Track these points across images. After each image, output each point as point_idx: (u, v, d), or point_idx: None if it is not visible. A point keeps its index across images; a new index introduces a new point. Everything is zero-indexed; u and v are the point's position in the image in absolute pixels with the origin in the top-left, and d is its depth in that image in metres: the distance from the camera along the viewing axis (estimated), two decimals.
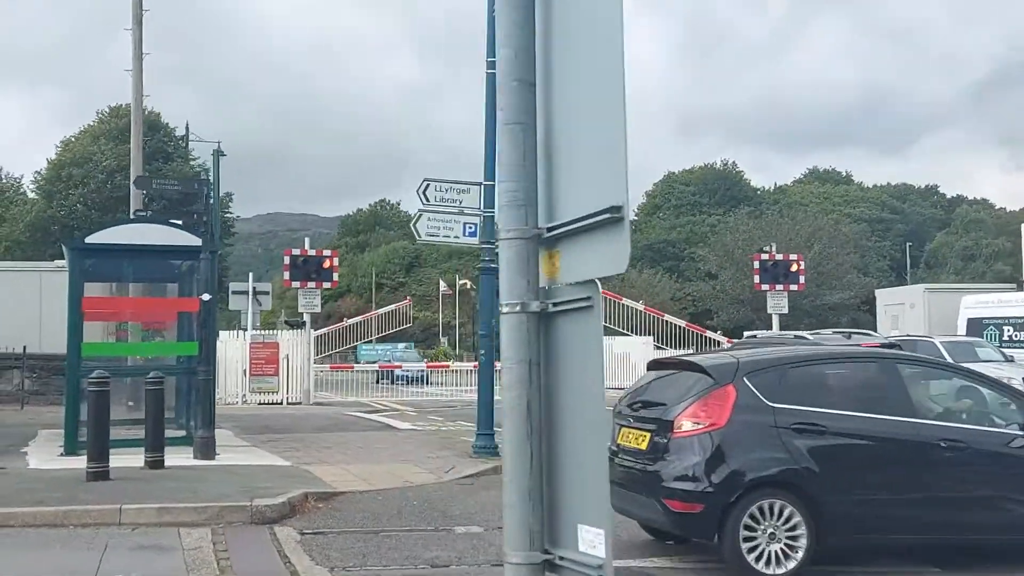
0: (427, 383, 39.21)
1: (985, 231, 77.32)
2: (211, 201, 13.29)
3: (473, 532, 9.17)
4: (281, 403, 28.80)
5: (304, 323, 29.56)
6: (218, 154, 12.97)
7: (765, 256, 31.07)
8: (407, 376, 39.59)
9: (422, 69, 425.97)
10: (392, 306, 39.68)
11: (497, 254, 8.42)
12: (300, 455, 14.28)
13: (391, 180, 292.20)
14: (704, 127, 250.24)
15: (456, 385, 37.55)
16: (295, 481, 11.40)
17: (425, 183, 14.27)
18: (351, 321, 37.86)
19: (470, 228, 14.43)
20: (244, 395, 28.77)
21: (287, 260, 28.71)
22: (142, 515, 9.14)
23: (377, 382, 39.89)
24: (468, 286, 76.35)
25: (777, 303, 30.87)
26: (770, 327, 31.75)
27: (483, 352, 14.47)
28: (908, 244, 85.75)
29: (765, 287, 30.70)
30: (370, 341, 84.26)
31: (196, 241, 13.63)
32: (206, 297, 13.26)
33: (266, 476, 11.75)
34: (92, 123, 56.91)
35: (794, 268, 30.78)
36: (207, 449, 13.11)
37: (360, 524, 9.40)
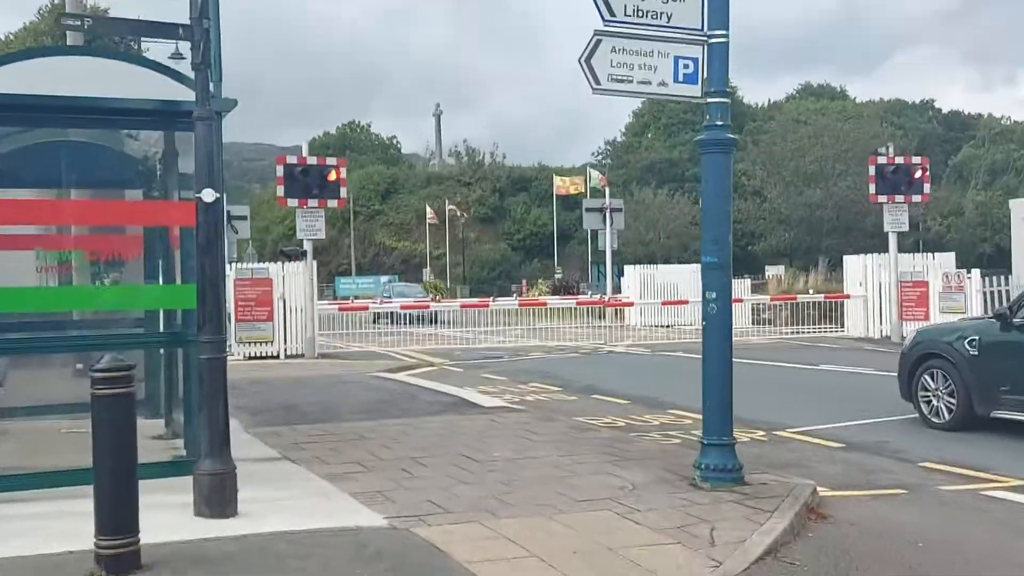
0: (434, 323, 32.81)
1: (1017, 143, 71.38)
2: (210, 23, 6.58)
3: None
4: (277, 356, 22.40)
5: (304, 252, 22.90)
6: None
7: (883, 159, 24.71)
8: (409, 315, 32.98)
9: None
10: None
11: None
12: (385, 486, 7.85)
13: (359, 107, 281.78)
14: None
15: (475, 325, 31.25)
16: None
17: None
18: None
19: (686, 67, 7.88)
20: (229, 346, 22.23)
21: (280, 171, 21.93)
22: None
23: (374, 322, 33.38)
24: (458, 213, 69.50)
25: (896, 218, 24.62)
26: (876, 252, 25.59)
27: (713, 296, 7.89)
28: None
29: (883, 198, 24.40)
30: (348, 275, 77.86)
31: (184, 93, 7.02)
32: (209, 196, 6.66)
33: None
34: (33, 20, 49.25)
35: (918, 174, 24.52)
36: (222, 499, 6.65)
37: None
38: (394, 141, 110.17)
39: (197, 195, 6.65)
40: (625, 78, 7.76)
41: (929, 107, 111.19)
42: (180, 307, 7.93)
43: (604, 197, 36.47)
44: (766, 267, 47.36)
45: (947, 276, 24.32)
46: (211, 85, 6.90)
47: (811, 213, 45.56)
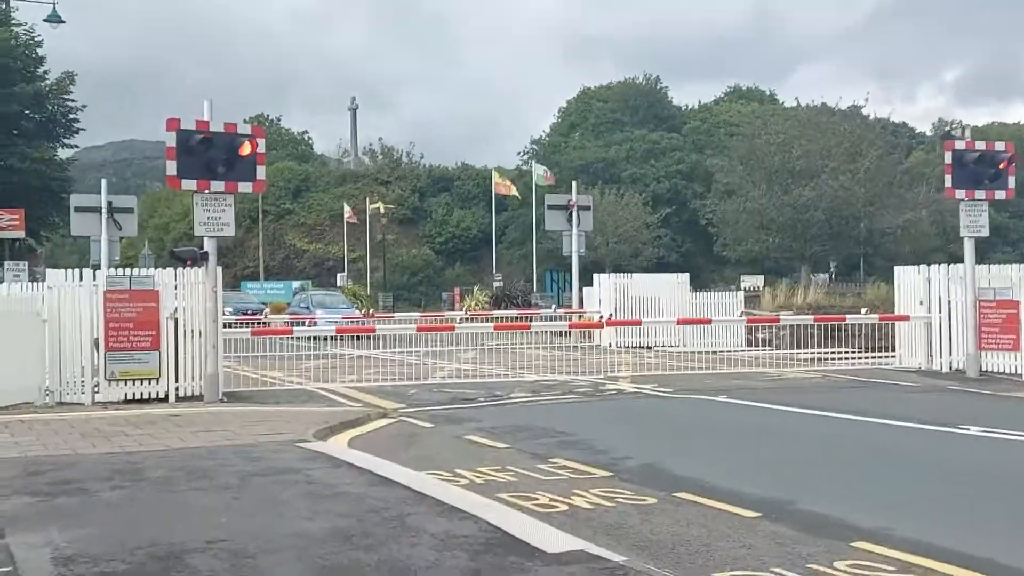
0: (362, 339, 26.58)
1: None
2: None
3: None
4: (165, 397, 16.03)
5: (205, 255, 16.44)
6: None
7: (961, 144, 19.42)
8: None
9: None
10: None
11: None
12: None
13: (269, 107, 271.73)
14: (592, 53, 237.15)
15: (418, 344, 25.29)
16: None
17: None
18: None
19: None
20: (96, 385, 15.78)
21: (172, 140, 15.56)
22: None
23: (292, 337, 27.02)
24: (380, 211, 62.77)
25: (975, 220, 19.39)
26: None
27: None
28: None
29: (961, 193, 19.12)
30: (255, 280, 70.69)
31: None
32: None
33: None
34: None
35: (1003, 165, 19.27)
36: None
37: None
38: (306, 137, 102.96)
39: None
40: None
41: (856, 114, 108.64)
42: None
43: (570, 193, 30.65)
44: (742, 277, 41.98)
45: None
46: None
47: (798, 215, 40.35)
